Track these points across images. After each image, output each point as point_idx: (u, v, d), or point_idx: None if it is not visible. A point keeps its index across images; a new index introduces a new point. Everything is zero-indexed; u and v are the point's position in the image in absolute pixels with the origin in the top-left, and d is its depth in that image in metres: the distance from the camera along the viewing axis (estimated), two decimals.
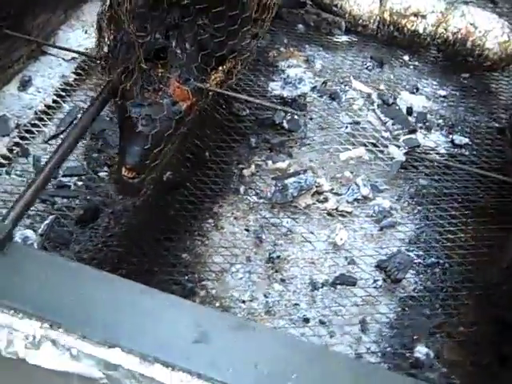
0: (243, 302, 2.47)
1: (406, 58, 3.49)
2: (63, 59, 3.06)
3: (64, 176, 2.69)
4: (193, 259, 2.57)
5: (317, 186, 2.81)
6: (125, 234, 2.60)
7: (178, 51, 2.21)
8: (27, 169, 2.70)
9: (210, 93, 2.35)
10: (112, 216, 2.64)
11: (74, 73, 3.07)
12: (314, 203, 2.79)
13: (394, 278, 2.54)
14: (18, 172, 2.70)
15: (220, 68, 2.35)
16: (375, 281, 2.55)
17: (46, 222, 2.52)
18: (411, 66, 3.45)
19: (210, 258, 2.57)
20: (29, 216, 2.52)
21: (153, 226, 2.63)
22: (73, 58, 3.11)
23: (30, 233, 2.47)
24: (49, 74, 3.04)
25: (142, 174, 2.19)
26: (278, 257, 2.59)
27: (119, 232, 2.60)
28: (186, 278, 2.50)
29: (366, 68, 3.34)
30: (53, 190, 2.63)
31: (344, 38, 3.52)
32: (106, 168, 2.76)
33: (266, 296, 2.49)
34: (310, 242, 2.66)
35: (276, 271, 2.57)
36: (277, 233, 2.69)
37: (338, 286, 2.53)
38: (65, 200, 2.65)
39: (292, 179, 2.78)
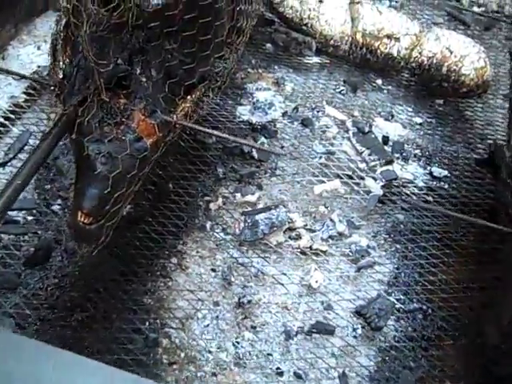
0: (210, 352, 2.25)
1: (380, 81, 3.33)
2: (13, 78, 2.79)
3: (12, 210, 2.43)
4: (155, 303, 2.34)
5: (289, 222, 2.61)
6: (79, 275, 2.35)
7: (143, 79, 1.99)
8: None
9: (178, 125, 2.13)
10: (65, 255, 2.39)
11: (24, 93, 2.81)
12: (286, 240, 2.60)
13: (374, 325, 2.36)
14: None
15: (189, 97, 2.12)
16: (354, 329, 2.36)
17: None
18: (385, 91, 3.29)
19: (173, 303, 2.35)
20: None
21: (111, 266, 2.39)
22: (24, 77, 2.84)
23: None
24: None
25: (100, 220, 1.96)
26: (249, 301, 2.38)
27: (73, 273, 2.36)
28: (148, 325, 2.27)
29: (340, 92, 3.16)
30: None
31: (315, 60, 3.33)
32: (59, 201, 2.50)
33: (235, 345, 2.28)
34: (283, 285, 2.46)
35: (246, 317, 2.36)
36: (246, 274, 2.48)
37: (314, 335, 2.33)
38: (12, 237, 2.39)
39: (263, 215, 2.57)
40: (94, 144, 1.90)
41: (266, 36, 3.41)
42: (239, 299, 2.38)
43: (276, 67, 3.23)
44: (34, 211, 2.46)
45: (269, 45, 3.38)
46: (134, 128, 1.96)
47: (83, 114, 1.89)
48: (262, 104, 2.94)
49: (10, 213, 2.42)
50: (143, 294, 2.35)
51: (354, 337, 2.34)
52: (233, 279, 2.44)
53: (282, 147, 2.86)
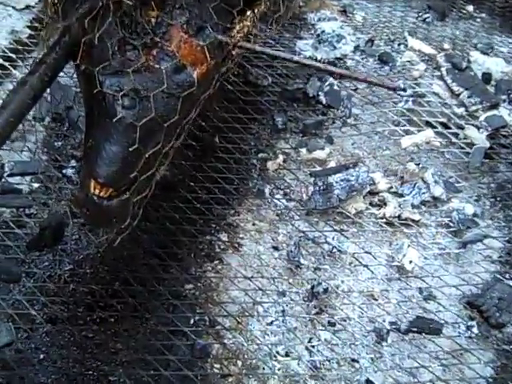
0: (276, 359, 1.70)
1: (470, 8, 2.67)
2: (13, 8, 2.20)
3: (12, 175, 1.87)
4: (201, 295, 1.79)
5: (370, 185, 2.01)
6: (102, 261, 1.79)
7: None
8: None
9: (237, 51, 1.51)
10: (83, 232, 1.83)
11: (29, 27, 2.22)
12: (367, 208, 2.00)
13: (494, 321, 1.77)
14: None
15: (249, 13, 1.51)
16: (468, 326, 1.76)
17: None
18: (478, 19, 2.66)
19: (225, 294, 1.80)
20: None
21: (142, 248, 1.82)
22: (27, 7, 2.26)
23: None
24: None
25: (124, 193, 1.40)
26: (325, 290, 1.81)
27: (93, 257, 1.80)
28: (193, 325, 1.72)
29: (424, 21, 2.51)
30: None
31: None
32: (73, 162, 1.94)
33: (309, 350, 1.74)
34: (367, 266, 1.89)
35: (321, 311, 1.80)
36: (318, 253, 1.92)
37: (414, 334, 1.74)
38: (13, 211, 1.82)
39: (338, 176, 1.98)
40: (113, 77, 1.32)
41: None
42: (312, 287, 1.81)
43: None
44: (42, 176, 1.90)
45: None
46: (174, 52, 1.36)
47: (94, 32, 1.29)
48: (328, 36, 2.33)
49: (10, 179, 1.87)
50: (185, 284, 1.80)
51: (469, 337, 1.75)
52: (302, 260, 1.88)
53: (356, 89, 2.25)
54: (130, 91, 1.33)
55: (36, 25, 2.24)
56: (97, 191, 1.37)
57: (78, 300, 1.71)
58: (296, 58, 1.65)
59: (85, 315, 1.68)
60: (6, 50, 2.15)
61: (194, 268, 1.83)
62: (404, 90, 1.76)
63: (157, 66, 1.34)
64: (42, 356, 1.60)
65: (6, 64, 2.12)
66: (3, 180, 1.85)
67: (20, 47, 2.16)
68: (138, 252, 1.82)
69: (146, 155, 1.36)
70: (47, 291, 1.71)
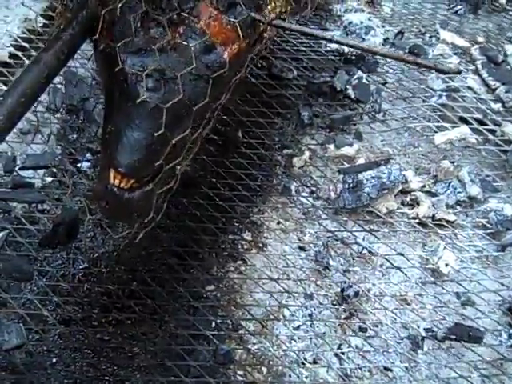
0: (304, 367, 1.58)
1: (503, 1, 2.56)
2: None
3: (24, 169, 1.76)
4: (223, 297, 1.67)
5: (402, 183, 1.89)
6: (118, 259, 1.68)
7: None
8: None
9: (269, 33, 1.40)
10: (98, 230, 1.72)
11: (43, 15, 2.12)
12: (398, 208, 1.88)
13: None
14: None
15: None
16: (510, 335, 1.64)
17: None
18: (511, 13, 2.52)
19: (249, 296, 1.69)
20: None
21: (162, 246, 1.71)
22: None
23: None
24: (4, 17, 2.08)
25: (147, 184, 1.29)
26: (355, 293, 1.69)
27: (109, 256, 1.69)
28: (215, 329, 1.60)
29: (456, 13, 2.39)
30: (5, 191, 1.71)
31: None
32: (89, 155, 1.83)
33: (339, 357, 1.62)
34: (399, 269, 1.77)
35: (352, 315, 1.68)
36: (348, 254, 1.81)
37: (452, 342, 1.62)
38: (25, 207, 1.72)
39: (369, 173, 1.87)
40: (135, 56, 1.21)
41: None
42: (341, 290, 1.69)
43: None
44: (56, 170, 1.80)
45: None
46: (202, 30, 1.25)
47: (115, 5, 1.18)
48: (356, 28, 2.21)
49: (22, 173, 1.77)
50: (207, 285, 1.69)
51: (510, 346, 1.63)
52: (330, 261, 1.76)
53: (385, 83, 2.14)
54: (155, 72, 1.22)
55: (50, 13, 2.13)
56: (117, 182, 1.26)
57: (93, 300, 1.60)
58: (337, 38, 1.54)
59: (100, 317, 1.57)
60: (19, 39, 2.05)
61: (215, 268, 1.72)
62: (459, 72, 1.64)
63: (184, 45, 1.22)
64: (54, 359, 1.49)
65: (19, 53, 2.01)
66: (15, 173, 1.75)
67: (33, 36, 2.06)
68: (157, 251, 1.71)
69: (173, 142, 1.24)
70: (60, 291, 1.60)
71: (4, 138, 1.17)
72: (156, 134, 1.21)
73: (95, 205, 1.35)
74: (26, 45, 2.04)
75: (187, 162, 1.80)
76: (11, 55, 2.02)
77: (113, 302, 1.60)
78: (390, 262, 1.77)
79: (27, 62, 2.00)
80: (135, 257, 1.68)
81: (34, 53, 2.02)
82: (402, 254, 1.79)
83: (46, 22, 2.12)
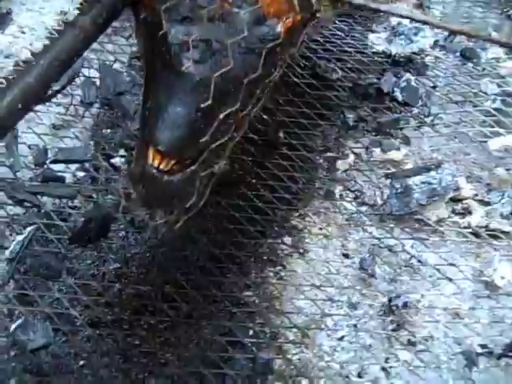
0: (348, 380, 1.46)
1: None
2: None
3: (55, 162, 1.68)
4: (262, 304, 1.56)
5: (454, 190, 1.78)
6: (152, 260, 1.58)
7: None
8: None
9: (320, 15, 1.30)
10: (132, 229, 1.63)
11: (78, 9, 2.04)
12: (449, 216, 1.76)
13: None
14: None
15: None
16: None
17: (21, 237, 1.51)
18: None
19: (290, 303, 1.58)
20: None
21: (197, 248, 1.61)
22: None
23: None
24: (40, 8, 2.02)
25: (189, 166, 1.18)
26: (404, 304, 1.57)
27: (142, 256, 1.59)
28: (253, 336, 1.49)
29: (509, 17, 2.29)
30: (35, 184, 1.62)
31: None
32: (123, 151, 1.74)
33: (386, 371, 1.48)
34: (451, 280, 1.63)
35: (400, 327, 1.55)
36: (395, 262, 1.68)
37: (510, 360, 1.49)
38: (55, 201, 1.63)
39: (418, 178, 1.75)
40: (180, 25, 1.12)
41: None
42: (389, 300, 1.57)
43: None
44: (88, 165, 1.71)
45: None
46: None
47: None
48: (404, 29, 2.11)
49: (53, 166, 1.69)
50: (245, 290, 1.58)
51: None
52: (376, 269, 1.64)
53: (435, 87, 2.03)
54: (201, 42, 1.12)
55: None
56: (156, 162, 1.15)
57: (124, 302, 1.50)
58: (406, 13, 1.43)
59: (131, 320, 1.46)
60: (54, 32, 1.97)
61: (254, 273, 1.61)
62: None
63: (234, 14, 1.13)
64: (81, 363, 1.38)
65: None
66: (45, 166, 1.66)
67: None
68: (193, 252, 1.61)
69: (220, 117, 1.14)
70: (90, 291, 1.51)
71: (38, 102, 1.08)
72: (202, 106, 1.10)
73: (132, 189, 1.24)
74: None
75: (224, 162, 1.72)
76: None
77: (145, 304, 1.50)
78: (440, 272, 1.65)
79: None
80: (170, 257, 1.58)
81: None
82: (453, 265, 1.66)
83: None
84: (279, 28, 1.16)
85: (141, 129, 1.21)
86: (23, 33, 1.93)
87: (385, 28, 2.18)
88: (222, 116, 1.14)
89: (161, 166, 1.16)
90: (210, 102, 1.09)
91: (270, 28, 1.16)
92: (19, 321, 1.36)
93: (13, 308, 1.42)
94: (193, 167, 1.17)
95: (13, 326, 1.35)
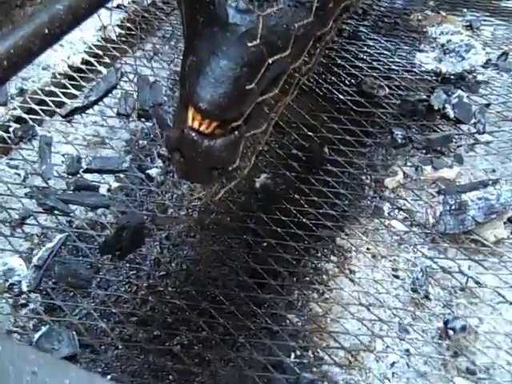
0: None
1: None
2: (105, 6, 1.97)
3: (88, 171, 1.60)
4: (306, 324, 1.44)
5: None
6: (187, 274, 1.48)
7: None
8: (30, 158, 1.62)
9: None
10: (167, 243, 1.53)
11: (119, 26, 2.00)
12: (509, 237, 1.63)
13: None
14: (14, 163, 1.63)
15: None
16: None
17: (50, 244, 1.41)
18: None
19: (336, 324, 1.45)
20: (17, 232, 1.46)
21: (237, 263, 1.50)
22: (118, 6, 2.05)
23: (17, 263, 1.37)
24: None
25: (232, 131, 1.05)
26: (462, 328, 1.43)
27: (177, 270, 1.49)
28: (296, 357, 1.36)
29: None
30: (67, 193, 1.54)
31: None
32: (159, 162, 1.65)
33: None
34: None
35: (457, 354, 1.41)
36: (449, 284, 1.54)
37: None
38: (88, 212, 1.55)
39: (474, 194, 1.63)
40: None
41: None
42: (445, 323, 1.43)
43: (464, 10, 2.30)
44: (122, 175, 1.62)
45: None
46: None
47: None
48: (455, 46, 2.01)
49: (86, 176, 1.60)
50: (287, 309, 1.45)
51: None
52: (431, 290, 1.50)
53: (488, 105, 1.92)
54: None
55: (127, 24, 2.02)
56: (196, 124, 1.02)
57: (158, 318, 1.38)
58: None
59: (165, 336, 1.35)
60: (93, 47, 1.92)
61: (297, 292, 1.49)
62: None
63: None
64: (108, 378, 1.27)
65: (92, 59, 1.88)
66: (78, 176, 1.58)
67: (108, 44, 1.93)
68: (232, 268, 1.50)
69: (268, 76, 1.02)
70: (122, 304, 1.40)
71: (65, 34, 0.98)
72: (247, 67, 0.98)
73: (169, 156, 1.11)
74: (100, 52, 1.90)
75: (266, 175, 1.63)
76: (84, 61, 1.88)
77: (180, 320, 1.38)
78: (501, 295, 1.52)
79: (100, 68, 1.87)
80: (208, 271, 1.47)
81: (107, 60, 1.90)
82: None
83: (123, 32, 2.00)
84: None
85: (181, 88, 1.08)
86: (61, 46, 1.87)
87: (433, 47, 2.09)
88: (270, 60, 1.02)
89: (201, 128, 1.03)
90: (259, 58, 0.98)
91: None
92: (44, 329, 1.26)
93: (38, 317, 1.32)
94: (236, 133, 1.06)
95: (37, 335, 1.24)
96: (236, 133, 1.05)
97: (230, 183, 1.18)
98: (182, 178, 1.15)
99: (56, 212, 1.49)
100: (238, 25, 1.02)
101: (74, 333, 1.26)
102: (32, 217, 1.50)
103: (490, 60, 2.05)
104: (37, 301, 1.35)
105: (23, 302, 1.36)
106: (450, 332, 1.43)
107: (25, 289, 1.36)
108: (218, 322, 1.38)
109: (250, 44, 0.99)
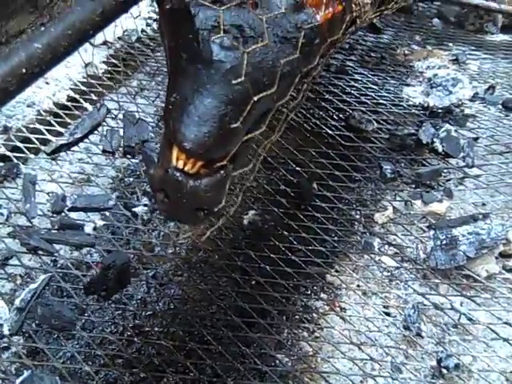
0: None
1: None
2: (90, 43, 1.96)
3: (73, 210, 1.57)
4: (296, 364, 1.40)
5: (504, 244, 1.63)
6: (175, 315, 1.44)
7: None
8: (13, 196, 1.60)
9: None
10: (153, 282, 1.50)
11: (105, 62, 1.99)
12: (500, 272, 1.61)
13: None
14: None
15: None
16: None
17: (33, 285, 1.38)
18: None
19: (327, 364, 1.41)
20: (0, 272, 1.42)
21: (225, 303, 1.47)
22: (105, 43, 2.05)
23: None
24: (66, 62, 1.95)
25: (218, 171, 1.04)
26: (455, 366, 1.40)
27: (164, 310, 1.45)
28: None
29: None
30: (51, 232, 1.51)
31: (502, 38, 2.39)
32: (145, 200, 1.63)
33: None
34: (508, 341, 1.46)
35: None
36: (441, 321, 1.51)
37: None
38: (73, 251, 1.51)
39: (464, 228, 1.61)
40: (208, 9, 1.01)
41: (432, 10, 2.52)
42: (438, 361, 1.40)
43: (450, 44, 2.31)
44: (108, 213, 1.59)
45: (436, 20, 2.48)
46: None
47: None
48: (442, 80, 2.01)
49: (71, 214, 1.57)
50: (277, 349, 1.42)
51: None
52: (423, 327, 1.48)
53: (477, 138, 1.91)
54: (232, 27, 1.01)
55: (113, 61, 2.00)
56: (180, 164, 1.00)
57: (144, 359, 1.35)
58: None
59: (152, 379, 1.31)
60: (79, 84, 1.90)
61: (287, 331, 1.46)
62: None
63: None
64: None
65: (77, 96, 1.86)
66: (63, 214, 1.55)
67: (94, 81, 1.91)
68: (220, 307, 1.47)
69: (255, 98, 0.99)
70: (107, 346, 1.36)
71: (43, 73, 0.97)
72: (231, 105, 0.96)
73: (154, 196, 1.08)
74: (86, 89, 1.89)
75: (254, 212, 1.61)
76: (70, 98, 1.87)
77: (167, 361, 1.35)
78: (495, 332, 1.49)
79: (86, 105, 1.86)
80: (195, 312, 1.44)
81: (93, 97, 1.88)
82: (509, 324, 1.50)
83: (109, 68, 1.99)
84: (318, 17, 1.05)
85: (165, 127, 1.06)
86: (47, 83, 1.86)
87: (420, 82, 2.09)
88: (256, 98, 1.00)
89: (186, 168, 1.01)
90: (244, 95, 0.96)
91: (309, 16, 1.05)
92: (26, 374, 1.22)
93: (20, 361, 1.28)
94: (222, 173, 1.03)
95: (18, 380, 1.20)
96: (222, 172, 1.02)
97: (218, 222, 1.15)
98: (167, 218, 1.12)
99: (40, 252, 1.46)
100: (223, 62, 1.00)
101: (57, 378, 1.22)
102: (15, 257, 1.46)
103: (477, 94, 2.05)
104: (19, 344, 1.31)
105: (5, 345, 1.32)
106: (444, 370, 1.40)
107: (6, 332, 1.32)
108: (205, 363, 1.34)
109: (234, 81, 0.97)
